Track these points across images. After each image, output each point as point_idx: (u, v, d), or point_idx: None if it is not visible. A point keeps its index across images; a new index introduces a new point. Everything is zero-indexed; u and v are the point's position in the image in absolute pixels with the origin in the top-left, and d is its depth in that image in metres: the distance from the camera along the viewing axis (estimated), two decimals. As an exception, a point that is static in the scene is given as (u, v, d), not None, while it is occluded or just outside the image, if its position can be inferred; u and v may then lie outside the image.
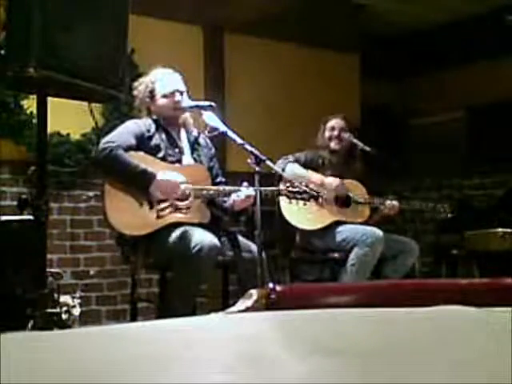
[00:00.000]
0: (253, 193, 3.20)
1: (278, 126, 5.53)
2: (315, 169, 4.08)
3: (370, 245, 3.78)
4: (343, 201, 4.05)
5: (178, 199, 3.21)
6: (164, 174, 3.18)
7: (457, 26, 6.29)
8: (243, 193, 3.27)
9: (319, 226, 3.96)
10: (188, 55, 5.15)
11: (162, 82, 3.37)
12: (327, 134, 4.20)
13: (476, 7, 5.96)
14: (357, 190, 4.10)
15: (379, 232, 3.81)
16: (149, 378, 0.70)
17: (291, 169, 3.95)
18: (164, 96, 3.34)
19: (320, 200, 3.93)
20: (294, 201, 3.76)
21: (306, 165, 4.06)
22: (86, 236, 4.69)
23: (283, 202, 3.90)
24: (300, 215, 3.94)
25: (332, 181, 4.01)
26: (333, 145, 4.18)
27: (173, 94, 3.34)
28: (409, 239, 4.06)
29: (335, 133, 4.19)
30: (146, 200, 3.17)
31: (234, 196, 3.29)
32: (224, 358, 0.78)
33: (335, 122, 4.22)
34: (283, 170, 3.84)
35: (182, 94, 3.36)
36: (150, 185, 3.13)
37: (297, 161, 4.05)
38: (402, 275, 3.94)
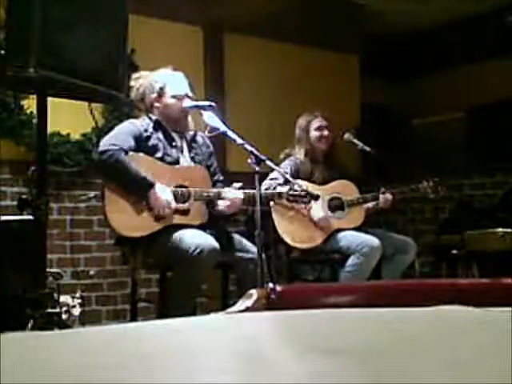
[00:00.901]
0: (239, 195, 3.21)
1: (277, 126, 5.52)
2: (303, 178, 3.96)
3: (366, 255, 3.74)
4: (337, 206, 4.01)
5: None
6: (161, 189, 3.15)
7: (457, 25, 6.29)
8: (231, 194, 3.26)
9: (317, 243, 3.89)
10: (188, 55, 5.14)
11: (174, 83, 3.37)
12: (315, 134, 4.11)
13: (476, 7, 5.96)
14: (348, 190, 4.04)
15: (376, 241, 3.77)
16: (149, 378, 0.70)
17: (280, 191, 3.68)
18: (173, 97, 3.35)
19: (313, 214, 3.89)
20: (286, 222, 3.78)
21: (293, 177, 3.97)
22: (86, 236, 4.69)
23: (277, 220, 3.88)
24: (297, 235, 3.88)
25: (316, 214, 3.88)
26: (323, 145, 4.11)
27: (182, 97, 3.35)
28: (407, 237, 4.04)
29: (325, 132, 4.11)
30: (146, 202, 3.16)
31: (220, 203, 3.28)
32: (224, 357, 0.78)
33: (320, 121, 4.13)
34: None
35: (190, 99, 3.37)
36: (148, 193, 3.13)
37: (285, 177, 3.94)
38: (401, 273, 3.93)
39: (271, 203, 3.78)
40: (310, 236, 3.90)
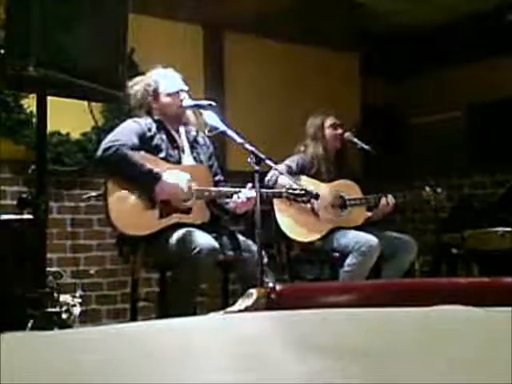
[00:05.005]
0: (254, 194, 3.19)
1: (277, 126, 5.52)
2: (308, 174, 3.99)
3: (364, 254, 3.73)
4: (339, 204, 4.01)
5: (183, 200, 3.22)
6: (169, 175, 3.17)
7: (457, 25, 6.29)
8: (244, 194, 3.25)
9: (316, 237, 3.90)
10: (188, 55, 5.15)
11: (166, 81, 3.38)
12: (329, 132, 4.11)
13: (476, 7, 5.96)
14: (351, 190, 4.04)
15: (374, 240, 3.76)
16: (148, 378, 0.70)
17: (281, 184, 3.68)
18: (169, 95, 3.36)
19: (316, 208, 3.90)
20: (287, 214, 3.79)
21: (297, 172, 3.96)
22: (86, 235, 4.69)
23: (278, 215, 3.89)
24: (296, 228, 3.89)
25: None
26: (337, 143, 4.11)
27: (177, 93, 3.36)
28: (407, 237, 4.04)
29: (339, 131, 4.11)
30: (148, 200, 3.16)
31: (235, 198, 3.27)
32: (224, 357, 0.78)
33: (334, 120, 4.14)
34: (274, 183, 3.78)
35: (186, 93, 3.38)
36: (156, 185, 3.12)
37: (288, 171, 3.89)
38: (402, 273, 3.93)
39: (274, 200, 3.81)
40: (309, 231, 3.91)
